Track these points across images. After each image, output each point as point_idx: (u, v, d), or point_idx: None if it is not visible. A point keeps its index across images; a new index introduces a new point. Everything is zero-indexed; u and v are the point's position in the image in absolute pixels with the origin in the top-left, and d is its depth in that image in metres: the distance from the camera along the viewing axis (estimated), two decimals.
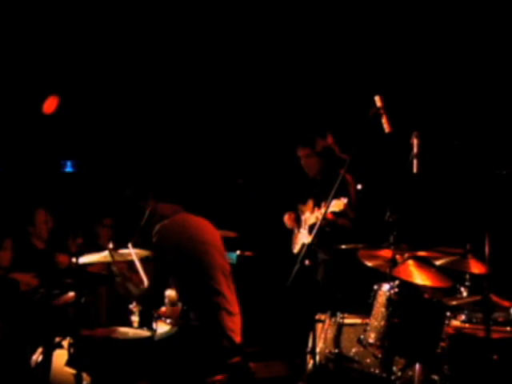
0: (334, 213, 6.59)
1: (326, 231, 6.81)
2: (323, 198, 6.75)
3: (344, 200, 6.27)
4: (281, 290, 7.19)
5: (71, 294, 7.82)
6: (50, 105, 9.17)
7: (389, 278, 5.44)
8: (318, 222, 5.25)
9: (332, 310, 6.22)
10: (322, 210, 6.12)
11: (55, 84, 9.20)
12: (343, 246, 6.24)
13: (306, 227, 7.32)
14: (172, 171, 6.58)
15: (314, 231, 5.34)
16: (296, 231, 7.57)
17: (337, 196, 6.08)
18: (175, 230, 5.84)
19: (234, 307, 5.85)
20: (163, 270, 5.85)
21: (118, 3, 8.53)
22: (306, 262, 5.02)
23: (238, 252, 7.84)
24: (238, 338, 5.71)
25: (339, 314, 6.17)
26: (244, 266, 7.77)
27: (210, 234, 5.96)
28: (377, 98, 5.53)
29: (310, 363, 5.92)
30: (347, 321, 6.10)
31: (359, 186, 7.08)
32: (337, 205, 6.27)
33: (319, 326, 6.11)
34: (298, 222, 7.53)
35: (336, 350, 5.90)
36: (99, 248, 8.72)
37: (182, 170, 7.29)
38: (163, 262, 5.82)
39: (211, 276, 5.80)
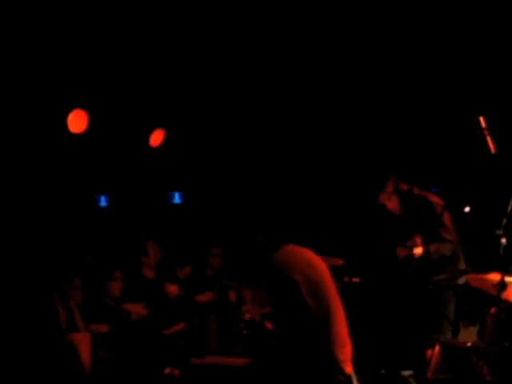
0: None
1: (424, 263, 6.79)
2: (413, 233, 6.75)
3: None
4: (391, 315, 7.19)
5: (181, 323, 8.00)
6: (157, 138, 9.38)
7: (498, 301, 5.29)
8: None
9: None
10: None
11: (162, 118, 9.40)
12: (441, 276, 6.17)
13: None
14: (297, 212, 6.58)
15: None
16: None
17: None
18: (288, 262, 5.82)
19: (345, 337, 5.76)
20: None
21: None
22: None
23: (346, 278, 7.77)
24: (348, 369, 5.62)
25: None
26: (351, 292, 7.67)
27: (319, 264, 5.90)
28: (481, 119, 5.44)
29: None
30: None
31: (467, 209, 6.96)
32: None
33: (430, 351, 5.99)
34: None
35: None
36: (208, 277, 8.91)
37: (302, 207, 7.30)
38: (275, 292, 5.81)
39: (323, 306, 5.73)
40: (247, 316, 6.79)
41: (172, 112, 9.35)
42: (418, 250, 7.04)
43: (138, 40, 8.39)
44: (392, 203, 7.22)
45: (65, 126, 8.38)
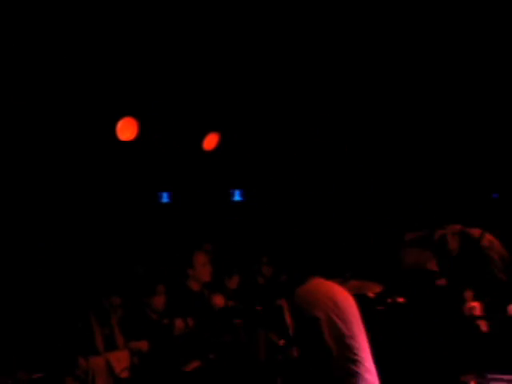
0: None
1: None
2: None
3: None
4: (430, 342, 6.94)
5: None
6: (211, 142, 9.31)
7: None
8: None
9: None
10: None
11: (216, 122, 9.33)
12: None
13: None
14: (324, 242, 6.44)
15: None
16: None
17: None
18: (311, 298, 5.68)
19: (370, 367, 5.61)
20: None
21: None
22: None
23: (389, 300, 7.54)
24: None
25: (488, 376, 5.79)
26: (396, 313, 7.45)
27: (344, 299, 5.74)
28: None
29: None
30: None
31: None
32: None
33: None
34: None
35: None
36: (258, 286, 8.80)
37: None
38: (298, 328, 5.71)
39: (352, 338, 5.59)
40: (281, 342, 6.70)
41: (225, 115, 9.26)
42: None
43: (188, 44, 8.30)
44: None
45: (114, 133, 8.42)
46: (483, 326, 6.65)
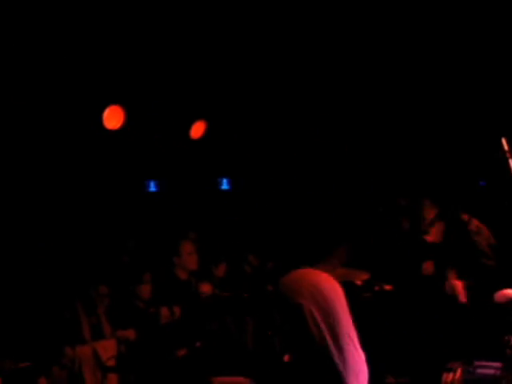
0: None
1: None
2: None
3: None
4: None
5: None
6: (198, 130, 9.27)
7: None
8: None
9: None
10: None
11: (203, 110, 9.29)
12: None
13: None
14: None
15: None
16: None
17: None
18: (295, 287, 5.65)
19: (359, 364, 5.59)
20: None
21: None
22: None
23: (377, 288, 7.54)
24: None
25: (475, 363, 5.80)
26: (383, 300, 7.46)
27: (331, 287, 5.71)
28: (503, 141, 5.16)
29: None
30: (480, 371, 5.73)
31: None
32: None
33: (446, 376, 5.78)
34: None
35: None
36: (245, 275, 8.79)
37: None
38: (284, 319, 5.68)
39: (335, 332, 5.56)
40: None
41: (212, 103, 9.22)
42: None
43: (173, 32, 8.26)
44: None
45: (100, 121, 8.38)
46: (462, 297, 6.68)
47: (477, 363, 5.84)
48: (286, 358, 6.16)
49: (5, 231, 8.08)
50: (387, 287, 7.48)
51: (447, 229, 6.80)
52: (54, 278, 7.42)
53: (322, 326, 5.47)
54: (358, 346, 5.60)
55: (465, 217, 6.82)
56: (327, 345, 5.43)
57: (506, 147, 5.13)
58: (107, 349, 7.00)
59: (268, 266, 8.24)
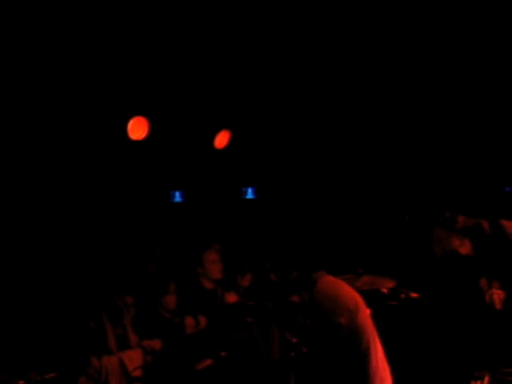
0: None
1: None
2: None
3: None
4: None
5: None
6: (222, 140, 9.29)
7: None
8: None
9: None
10: None
11: (227, 119, 9.31)
12: None
13: None
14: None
15: None
16: None
17: None
18: (329, 301, 5.64)
19: (384, 372, 5.55)
20: None
21: None
22: None
23: (403, 296, 7.48)
24: None
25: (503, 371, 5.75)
26: (409, 308, 7.40)
27: (356, 299, 5.68)
28: None
29: None
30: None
31: None
32: None
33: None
34: None
35: None
36: (271, 284, 8.74)
37: None
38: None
39: (361, 342, 5.53)
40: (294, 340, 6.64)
41: (236, 113, 9.24)
42: None
43: (198, 44, 8.30)
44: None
45: (125, 132, 8.43)
46: (498, 305, 6.61)
47: (504, 370, 5.80)
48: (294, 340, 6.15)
49: (33, 242, 8.16)
50: (413, 295, 7.42)
51: (479, 239, 6.74)
52: (79, 288, 7.45)
53: (354, 336, 5.45)
54: (382, 354, 5.58)
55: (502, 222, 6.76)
56: (358, 353, 5.43)
57: None
58: (133, 359, 6.99)
59: (292, 275, 8.20)
